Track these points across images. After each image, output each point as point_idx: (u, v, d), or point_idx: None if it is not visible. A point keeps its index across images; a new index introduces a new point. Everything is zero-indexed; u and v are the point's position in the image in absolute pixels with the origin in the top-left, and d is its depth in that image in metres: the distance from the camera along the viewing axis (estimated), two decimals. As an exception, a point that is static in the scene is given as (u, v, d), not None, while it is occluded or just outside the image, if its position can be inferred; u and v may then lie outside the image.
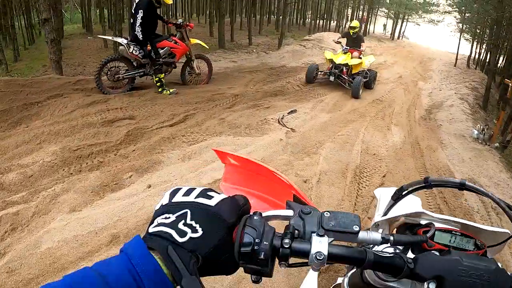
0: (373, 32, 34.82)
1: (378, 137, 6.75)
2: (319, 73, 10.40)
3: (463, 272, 0.66)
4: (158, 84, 7.51)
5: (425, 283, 0.67)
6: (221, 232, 0.58)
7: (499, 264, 0.70)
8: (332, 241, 0.65)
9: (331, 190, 4.48)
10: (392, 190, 1.02)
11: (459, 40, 22.17)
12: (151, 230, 0.57)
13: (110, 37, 7.78)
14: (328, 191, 4.47)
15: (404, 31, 39.25)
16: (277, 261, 0.65)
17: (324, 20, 29.05)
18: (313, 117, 7.27)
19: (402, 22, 37.10)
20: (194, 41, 8.22)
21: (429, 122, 8.69)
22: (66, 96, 6.66)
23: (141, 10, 6.99)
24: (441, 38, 34.32)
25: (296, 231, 0.65)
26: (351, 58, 10.20)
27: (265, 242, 0.61)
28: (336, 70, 10.00)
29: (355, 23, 11.41)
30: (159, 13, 7.60)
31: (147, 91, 7.58)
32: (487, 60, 19.59)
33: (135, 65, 7.50)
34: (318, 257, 0.62)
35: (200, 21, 21.97)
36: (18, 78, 8.37)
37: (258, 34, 19.50)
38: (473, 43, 22.84)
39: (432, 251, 0.75)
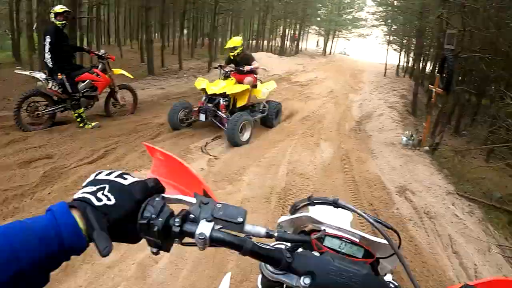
0: (306, 49, 35.44)
1: (306, 155, 6.55)
2: (193, 111, 7.56)
3: (332, 271, 0.76)
4: (78, 119, 7.05)
5: (302, 277, 0.77)
6: (129, 204, 0.71)
7: (373, 272, 0.82)
8: (220, 228, 0.74)
9: (254, 217, 4.19)
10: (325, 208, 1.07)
11: (387, 51, 23.29)
12: (75, 196, 0.70)
13: (27, 72, 7.19)
14: (250, 218, 4.07)
15: (344, 48, 40.49)
16: None
17: (257, 40, 29.23)
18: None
19: (333, 38, 38.19)
20: (117, 71, 7.83)
21: (359, 134, 8.65)
22: None
23: (48, 36, 6.62)
24: (371, 50, 35.56)
25: (192, 215, 0.75)
26: (234, 84, 7.58)
27: (160, 219, 0.71)
28: (210, 105, 7.30)
29: (234, 41, 8.11)
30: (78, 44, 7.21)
31: (68, 126, 7.09)
32: (415, 68, 20.21)
33: (55, 100, 7.03)
34: (200, 237, 0.71)
35: (132, 47, 21.41)
36: None
37: (191, 57, 19.20)
38: (400, 52, 23.98)
39: (314, 252, 0.87)
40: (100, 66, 7.53)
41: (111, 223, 0.68)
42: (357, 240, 0.99)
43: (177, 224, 0.72)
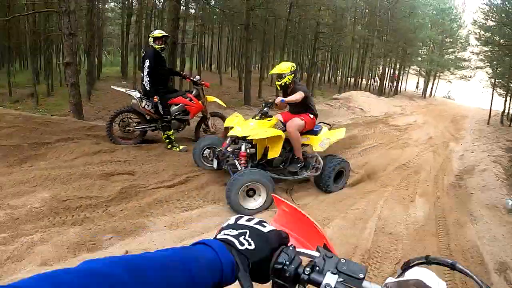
0: (405, 90, 34.31)
1: (398, 211, 6.18)
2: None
3: None
4: (167, 141, 7.37)
5: None
6: (266, 250, 0.80)
7: None
8: (342, 281, 0.78)
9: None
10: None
11: (492, 95, 21.61)
12: (219, 237, 0.81)
13: (123, 89, 7.58)
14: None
15: (448, 91, 38.69)
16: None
17: (355, 78, 28.93)
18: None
19: (433, 80, 36.64)
20: (211, 98, 8.09)
21: (458, 191, 8.04)
22: (76, 141, 6.68)
23: (147, 60, 6.99)
24: (473, 94, 33.63)
25: (317, 267, 0.81)
26: (268, 127, 5.75)
27: (292, 266, 0.80)
28: (230, 150, 5.84)
29: (282, 67, 6.07)
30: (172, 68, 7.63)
31: (157, 146, 7.43)
32: None
33: (148, 118, 7.44)
34: (326, 287, 0.77)
35: (232, 75, 22.15)
36: (37, 116, 8.38)
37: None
38: (506, 98, 22.03)
39: None
40: (194, 92, 7.80)
41: (251, 266, 0.76)
42: None
43: (306, 273, 0.80)
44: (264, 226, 0.84)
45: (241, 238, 0.78)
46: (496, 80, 22.72)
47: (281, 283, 0.80)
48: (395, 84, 32.28)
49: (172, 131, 7.46)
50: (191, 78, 7.96)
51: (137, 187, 5.40)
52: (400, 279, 0.92)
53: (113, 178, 5.60)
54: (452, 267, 0.91)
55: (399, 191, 7.21)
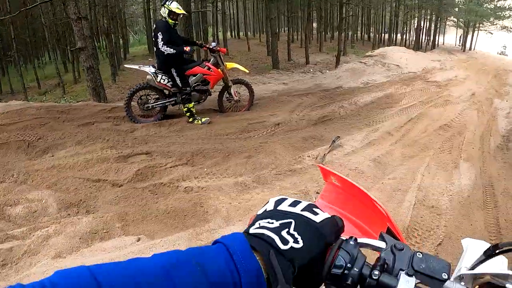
0: (443, 43, 32.71)
1: (441, 179, 5.54)
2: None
3: None
4: (188, 114, 7.13)
5: None
6: (320, 248, 0.59)
7: None
8: (418, 283, 0.61)
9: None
10: (481, 243, 0.81)
11: None
12: (252, 231, 0.57)
13: (136, 66, 7.50)
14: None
15: (504, 46, 36.39)
16: None
17: (389, 34, 27.53)
18: (361, 153, 6.20)
19: (473, 32, 34.68)
20: (231, 65, 7.79)
21: (506, 154, 7.28)
22: (97, 125, 6.63)
23: (159, 33, 6.68)
24: None
25: (385, 264, 0.63)
26: None
27: (355, 269, 0.60)
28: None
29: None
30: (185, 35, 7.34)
31: (178, 120, 7.21)
32: None
33: (166, 93, 7.19)
34: None
35: (261, 40, 21.47)
36: (58, 105, 8.44)
37: (319, 51, 18.60)
38: None
39: None
40: (212, 60, 7.48)
41: (297, 271, 0.55)
42: None
43: (375, 278, 0.60)
44: (316, 214, 0.63)
45: (284, 233, 0.56)
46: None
47: None
48: (431, 38, 30.65)
49: (193, 103, 7.21)
50: (207, 46, 7.55)
51: (154, 167, 5.17)
52: (478, 272, 0.69)
53: (130, 160, 5.43)
54: None
55: (441, 156, 6.53)
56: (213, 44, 7.47)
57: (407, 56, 16.86)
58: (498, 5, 34.88)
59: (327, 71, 13.57)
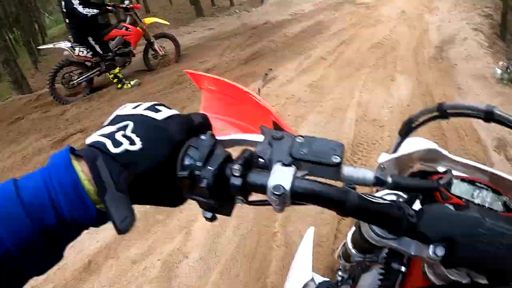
0: None
1: (379, 94, 5.42)
2: None
3: (484, 237, 0.48)
4: (115, 80, 6.68)
5: (431, 246, 0.50)
6: (164, 149, 0.49)
7: None
8: (305, 175, 0.52)
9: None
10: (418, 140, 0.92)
11: None
12: (87, 141, 0.48)
13: (51, 45, 6.93)
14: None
15: None
16: None
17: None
18: (296, 81, 5.95)
19: None
20: (149, 20, 7.26)
21: (441, 63, 7.25)
22: (26, 117, 6.32)
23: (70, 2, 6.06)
24: None
25: (260, 159, 0.53)
26: None
27: (209, 167, 0.49)
28: None
29: None
30: None
31: (107, 90, 6.81)
32: None
33: (89, 65, 6.66)
34: (275, 192, 0.47)
35: None
36: None
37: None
38: None
39: (446, 205, 0.54)
40: (128, 19, 6.91)
41: (135, 179, 0.46)
42: (495, 185, 0.69)
43: (236, 174, 0.48)
44: (158, 111, 0.51)
45: (119, 135, 0.46)
46: None
47: (204, 201, 0.50)
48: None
49: (118, 68, 6.73)
50: (119, 5, 6.95)
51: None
52: (398, 154, 0.71)
53: (66, 142, 5.13)
54: (489, 116, 0.64)
55: (377, 72, 6.40)
56: (126, 2, 6.86)
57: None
58: None
59: (253, 9, 13.01)
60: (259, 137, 0.56)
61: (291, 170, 0.49)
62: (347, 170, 0.52)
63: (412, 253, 0.56)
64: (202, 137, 0.52)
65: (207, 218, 0.55)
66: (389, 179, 0.52)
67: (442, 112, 0.75)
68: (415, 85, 5.86)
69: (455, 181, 0.71)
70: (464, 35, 9.04)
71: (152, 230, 3.04)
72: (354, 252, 0.83)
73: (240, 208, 2.42)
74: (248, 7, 13.40)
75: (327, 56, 7.08)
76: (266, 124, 0.65)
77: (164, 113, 0.52)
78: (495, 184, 0.70)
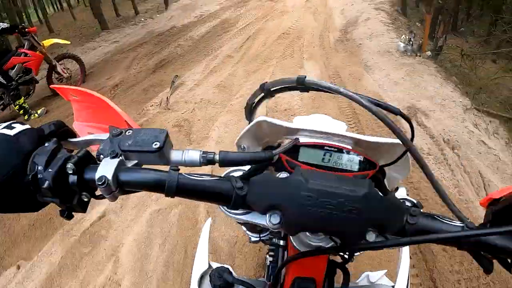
0: None
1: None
2: None
3: (308, 200, 0.49)
4: (21, 111, 6.03)
5: (267, 214, 0.52)
6: (13, 160, 0.54)
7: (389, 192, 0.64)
8: (134, 164, 0.56)
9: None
10: (316, 117, 0.98)
11: None
12: None
13: None
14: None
15: None
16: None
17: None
18: (204, 83, 5.73)
19: None
20: (48, 42, 6.59)
21: (347, 44, 7.32)
22: None
23: None
24: None
25: (100, 155, 0.56)
26: None
27: (49, 170, 0.53)
28: None
29: None
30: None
31: None
32: None
33: None
34: (99, 183, 0.51)
35: (86, 5, 19.39)
36: None
37: (147, -3, 17.23)
38: None
39: (273, 172, 0.65)
40: (26, 44, 6.27)
41: None
42: (349, 147, 0.69)
43: (70, 172, 0.53)
44: (12, 128, 0.58)
45: None
46: None
47: (51, 200, 0.53)
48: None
49: (23, 98, 6.09)
50: (20, 29, 6.24)
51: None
52: (246, 128, 0.74)
53: None
54: (301, 86, 0.64)
55: (284, 62, 6.32)
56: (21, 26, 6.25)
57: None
58: None
59: (158, 15, 12.59)
60: (105, 136, 0.60)
61: (115, 161, 0.52)
62: (174, 154, 0.57)
63: (261, 224, 0.60)
64: (46, 144, 0.56)
65: (63, 217, 0.56)
66: (216, 157, 0.56)
67: (267, 92, 0.76)
68: (323, 69, 5.85)
69: (303, 148, 0.70)
70: (367, 16, 9.24)
71: (81, 265, 2.76)
72: (250, 233, 0.90)
73: (162, 224, 3.11)
74: (153, 14, 12.97)
75: (234, 54, 6.91)
76: (120, 125, 0.71)
77: (17, 129, 0.58)
78: (355, 147, 0.70)
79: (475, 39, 9.73)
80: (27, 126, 0.60)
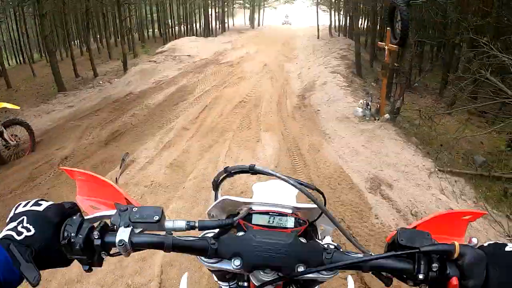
0: (233, 25, 34.30)
1: (246, 158, 5.14)
2: None
3: (257, 248, 0.76)
4: None
5: (231, 260, 0.77)
6: (49, 230, 0.71)
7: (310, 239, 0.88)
8: (141, 231, 0.75)
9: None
10: (270, 183, 1.22)
11: (317, 12, 23.02)
12: (0, 235, 0.69)
13: None
14: None
15: (286, 16, 39.50)
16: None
17: (179, 26, 27.16)
18: (156, 161, 5.37)
19: (259, 9, 37.45)
20: None
21: (304, 111, 7.26)
22: None
23: None
24: (300, 15, 35.70)
25: (114, 226, 0.76)
26: None
27: (80, 235, 0.71)
28: None
29: None
30: None
31: None
32: (348, 25, 19.85)
33: None
34: (119, 244, 0.71)
35: (48, 61, 19.00)
36: None
37: (109, 59, 17.06)
38: (331, 12, 24.22)
39: (235, 233, 0.84)
40: None
41: (37, 253, 0.69)
42: (290, 211, 0.93)
43: (96, 237, 0.73)
44: (40, 205, 0.75)
45: (20, 227, 0.70)
46: (319, -2, 24.99)
47: (80, 258, 0.73)
48: (221, 22, 31.59)
49: None
50: None
51: None
52: (213, 204, 0.95)
53: None
54: (252, 171, 0.88)
55: (241, 134, 6.11)
56: None
57: (197, 44, 16.69)
58: (280, -16, 38.38)
59: (116, 79, 12.31)
60: (113, 211, 0.79)
61: (128, 229, 0.73)
62: (168, 223, 0.77)
63: (229, 269, 0.80)
64: (74, 217, 0.75)
65: (85, 270, 0.75)
66: (196, 224, 0.77)
67: (228, 173, 0.93)
68: (281, 141, 5.65)
69: (255, 214, 0.90)
70: (324, 79, 9.30)
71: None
72: (220, 283, 1.06)
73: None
74: (112, 77, 12.73)
75: (190, 126, 6.66)
76: (120, 201, 0.96)
77: (43, 205, 0.74)
78: (295, 212, 0.92)
79: (428, 93, 9.95)
80: (51, 202, 0.76)
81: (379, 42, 8.07)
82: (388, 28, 6.54)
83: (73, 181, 3.63)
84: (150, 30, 27.84)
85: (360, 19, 18.03)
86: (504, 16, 7.58)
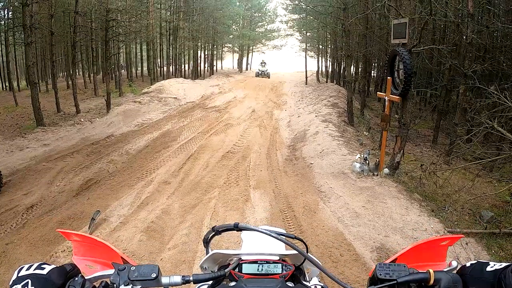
0: (221, 68, 34.45)
1: (233, 220, 4.43)
2: None
3: None
4: None
5: None
6: None
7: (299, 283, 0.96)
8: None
9: None
10: (256, 234, 1.14)
11: (305, 58, 23.29)
12: None
13: None
14: None
15: (262, 63, 39.85)
16: None
17: (167, 66, 26.91)
18: (131, 222, 4.72)
19: (247, 54, 37.86)
20: None
21: (296, 165, 6.75)
22: None
23: None
24: (288, 61, 35.97)
25: (113, 284, 0.81)
26: None
27: None
28: None
29: None
30: None
31: None
32: (336, 71, 20.23)
33: None
34: None
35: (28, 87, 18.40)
36: None
37: (95, 95, 16.51)
38: (318, 58, 24.84)
39: (228, 283, 0.96)
40: None
41: None
42: (277, 258, 1.02)
43: None
44: (43, 268, 0.78)
45: None
46: (307, 44, 25.86)
47: None
48: (209, 65, 31.61)
49: None
50: None
51: None
52: (204, 258, 1.03)
53: None
54: (237, 228, 0.94)
55: (228, 192, 5.53)
56: None
57: (185, 86, 16.33)
58: (268, 28, 39.39)
59: (98, 118, 11.67)
60: (111, 271, 0.84)
61: (129, 287, 0.79)
62: (164, 280, 0.82)
63: None
64: (76, 278, 0.79)
65: None
66: (191, 278, 0.84)
67: (216, 232, 0.99)
68: (272, 201, 5.09)
69: (245, 264, 0.99)
70: (315, 129, 8.87)
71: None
72: None
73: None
74: (93, 116, 12.10)
75: (171, 179, 6.07)
76: (116, 260, 1.00)
77: (47, 269, 0.77)
78: (282, 259, 1.03)
79: (422, 141, 9.76)
80: (53, 266, 0.79)
81: (378, 93, 7.72)
82: (388, 77, 6.12)
83: (33, 241, 2.97)
84: (139, 68, 27.72)
85: (353, 66, 17.99)
86: (503, 62, 7.44)
